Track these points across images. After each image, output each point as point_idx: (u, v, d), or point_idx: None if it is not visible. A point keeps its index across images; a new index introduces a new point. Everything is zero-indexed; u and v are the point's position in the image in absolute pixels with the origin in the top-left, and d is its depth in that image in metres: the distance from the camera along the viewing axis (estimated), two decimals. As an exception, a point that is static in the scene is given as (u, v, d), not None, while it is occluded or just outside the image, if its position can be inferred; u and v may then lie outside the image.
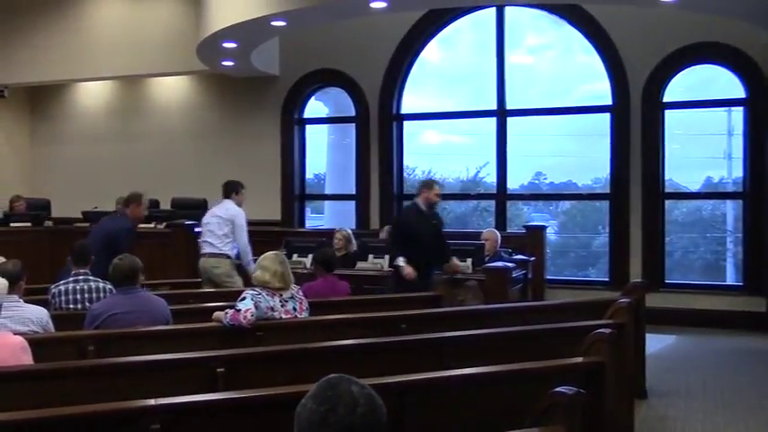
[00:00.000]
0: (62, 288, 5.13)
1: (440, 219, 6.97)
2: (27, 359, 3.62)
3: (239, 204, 7.70)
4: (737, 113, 9.22)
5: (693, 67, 9.12)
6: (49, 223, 10.74)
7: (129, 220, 6.89)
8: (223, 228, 7.51)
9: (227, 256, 7.50)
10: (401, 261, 6.41)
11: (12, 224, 10.32)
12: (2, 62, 11.94)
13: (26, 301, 4.44)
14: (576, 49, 9.99)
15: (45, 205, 11.36)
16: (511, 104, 9.97)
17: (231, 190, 7.79)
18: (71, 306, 5.08)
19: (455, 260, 6.85)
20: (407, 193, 10.74)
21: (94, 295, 5.11)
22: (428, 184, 6.87)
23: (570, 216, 11.24)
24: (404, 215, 6.80)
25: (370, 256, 7.75)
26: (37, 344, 3.83)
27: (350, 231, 8.26)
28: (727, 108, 9.45)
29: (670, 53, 8.99)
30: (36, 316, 4.33)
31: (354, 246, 8.01)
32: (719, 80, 9.15)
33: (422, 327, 4.77)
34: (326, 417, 1.57)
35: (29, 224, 10.30)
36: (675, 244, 9.74)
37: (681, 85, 9.22)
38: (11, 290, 4.29)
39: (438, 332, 4.40)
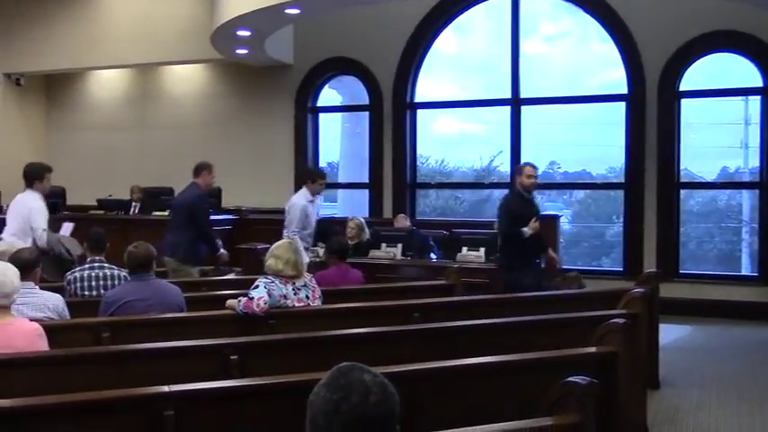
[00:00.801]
0: (77, 275, 5.17)
1: (537, 205, 6.82)
2: (43, 345, 3.65)
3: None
4: (755, 102, 9.11)
5: (710, 56, 9.02)
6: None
7: (199, 188, 7.06)
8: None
9: None
10: (526, 232, 6.26)
11: (28, 211, 10.38)
12: (18, 51, 12.01)
13: (42, 288, 4.48)
14: (592, 37, 9.92)
15: (61, 193, 11.43)
16: (525, 93, 9.92)
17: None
18: (86, 293, 5.12)
19: (551, 250, 6.80)
20: (420, 182, 10.75)
21: (109, 282, 5.15)
22: (518, 168, 6.68)
23: (584, 205, 11.20)
24: (509, 201, 6.53)
25: (383, 245, 7.76)
26: (52, 330, 3.86)
27: (363, 220, 8.26)
28: (744, 97, 9.36)
29: (687, 41, 8.90)
30: (52, 303, 4.37)
31: (367, 234, 8.02)
32: (736, 69, 9.06)
33: (435, 316, 4.77)
34: (339, 405, 1.57)
35: (44, 211, 10.35)
36: (690, 234, 9.68)
37: (697, 74, 9.13)
38: (27, 277, 4.33)
39: (451, 321, 4.40)
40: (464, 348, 3.99)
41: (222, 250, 7.06)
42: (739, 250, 9.89)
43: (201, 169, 7.16)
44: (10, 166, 12.12)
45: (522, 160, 9.89)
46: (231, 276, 7.04)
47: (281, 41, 10.41)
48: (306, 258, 6.75)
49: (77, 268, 5.24)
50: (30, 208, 6.32)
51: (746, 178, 9.42)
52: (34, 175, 6.44)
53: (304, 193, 7.43)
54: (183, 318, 4.64)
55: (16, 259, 4.35)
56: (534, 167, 6.58)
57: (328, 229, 7.75)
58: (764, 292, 8.55)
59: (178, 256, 6.75)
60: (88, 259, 5.27)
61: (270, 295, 4.53)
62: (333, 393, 1.58)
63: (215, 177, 7.33)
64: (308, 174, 8.08)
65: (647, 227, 9.10)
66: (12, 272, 3.68)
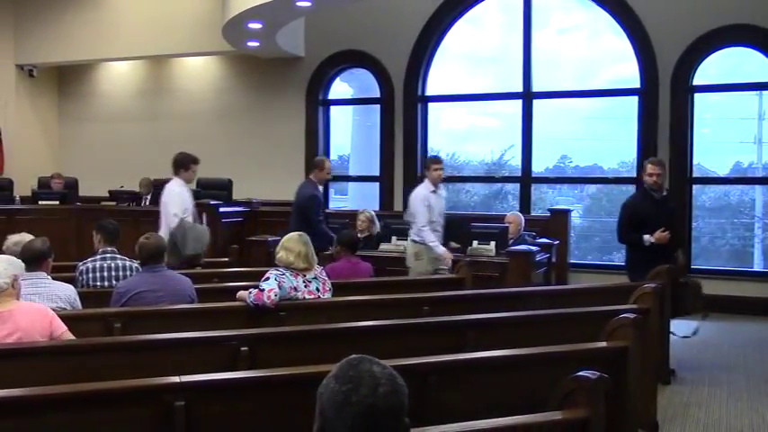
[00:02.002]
0: (89, 266, 5.19)
1: (672, 205, 6.41)
2: (51, 324, 3.68)
3: None
4: (769, 97, 9.06)
5: (724, 50, 8.96)
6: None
7: (311, 185, 7.04)
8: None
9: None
10: (647, 240, 5.92)
11: (40, 202, 10.47)
12: (31, 42, 12.08)
13: (53, 278, 4.50)
14: (605, 30, 9.86)
15: (73, 184, 11.50)
16: (537, 87, 9.88)
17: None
18: (98, 284, 5.14)
19: (681, 256, 6.40)
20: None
21: (121, 273, 5.17)
22: (644, 164, 6.25)
23: (595, 200, 11.14)
24: (632, 199, 6.23)
25: (394, 238, 7.76)
26: (64, 320, 3.88)
27: (373, 213, 8.27)
28: (758, 92, 9.28)
29: (700, 35, 8.83)
30: (64, 293, 4.39)
31: (378, 227, 8.02)
32: (750, 63, 8.99)
33: (444, 309, 4.76)
34: (348, 396, 1.57)
35: (57, 203, 10.43)
36: (702, 229, 9.62)
37: (711, 68, 9.06)
38: (38, 267, 4.36)
39: (460, 315, 4.40)
40: (474, 342, 3.99)
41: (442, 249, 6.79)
42: (752, 246, 9.83)
43: (314, 165, 7.13)
44: (23, 156, 12.23)
45: (534, 154, 9.92)
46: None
47: (292, 34, 10.40)
48: (440, 249, 6.57)
49: (89, 259, 5.26)
50: (168, 192, 6.76)
51: (759, 174, 9.36)
52: (180, 164, 6.89)
53: (425, 183, 6.89)
54: (194, 309, 4.66)
55: (28, 249, 4.38)
56: (656, 164, 6.10)
57: (459, 226, 7.34)
58: (776, 289, 8.50)
59: None
60: (100, 250, 5.29)
61: (280, 287, 4.54)
62: (342, 385, 1.59)
63: (329, 173, 7.28)
64: (424, 162, 7.62)
65: (658, 222, 9.05)
66: (6, 261, 3.68)
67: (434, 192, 6.78)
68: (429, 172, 6.83)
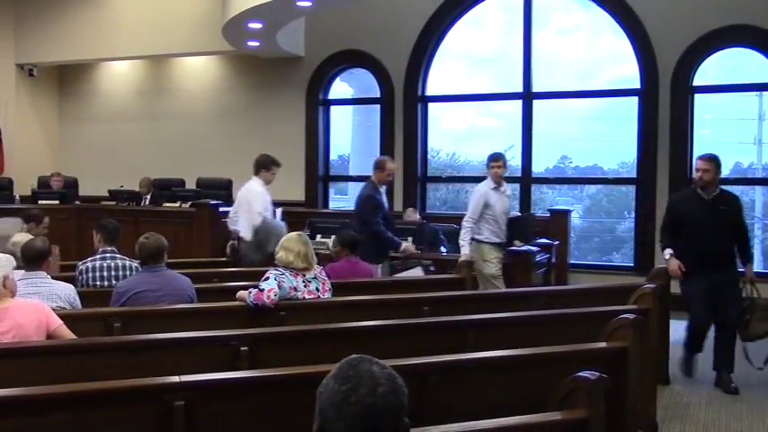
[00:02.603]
0: (89, 265, 5.19)
1: (734, 204, 5.63)
2: (48, 319, 3.71)
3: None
4: (769, 98, 9.07)
5: (724, 51, 8.95)
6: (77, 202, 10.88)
7: (369, 186, 6.80)
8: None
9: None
10: (667, 254, 5.55)
11: (40, 201, 10.46)
12: (31, 42, 12.07)
13: (53, 278, 4.51)
14: (605, 31, 9.86)
15: (73, 183, 11.51)
16: (537, 87, 9.88)
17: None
18: (98, 283, 5.14)
19: (751, 269, 5.69)
20: (431, 176, 10.73)
21: (121, 273, 5.17)
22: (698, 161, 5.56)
23: (595, 200, 11.15)
24: (676, 197, 5.75)
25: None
26: (64, 320, 3.88)
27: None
28: (758, 92, 9.29)
29: (700, 36, 8.83)
30: (64, 292, 4.39)
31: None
32: (751, 64, 8.99)
33: (444, 309, 4.77)
34: (348, 396, 1.57)
35: (57, 202, 10.43)
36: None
37: (711, 69, 9.06)
38: (38, 266, 4.37)
39: (461, 315, 4.40)
40: (474, 342, 3.99)
41: (405, 244, 6.81)
42: (752, 246, 9.82)
43: (375, 166, 6.90)
44: (23, 156, 12.23)
45: (534, 154, 9.92)
46: (417, 271, 6.67)
47: (292, 34, 10.40)
48: (464, 251, 6.43)
49: (89, 258, 5.26)
50: (251, 191, 6.95)
51: (759, 174, 9.36)
52: (261, 165, 7.03)
53: (486, 180, 6.75)
54: (194, 309, 4.66)
55: (28, 249, 4.39)
56: (705, 160, 5.48)
57: (524, 226, 7.07)
58: (776, 289, 8.49)
59: (364, 257, 6.40)
60: (100, 250, 5.29)
61: (280, 287, 4.54)
62: (341, 385, 1.59)
63: (391, 174, 6.98)
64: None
65: (658, 222, 9.01)
66: (4, 258, 3.70)
67: (496, 189, 6.66)
68: (488, 170, 6.73)
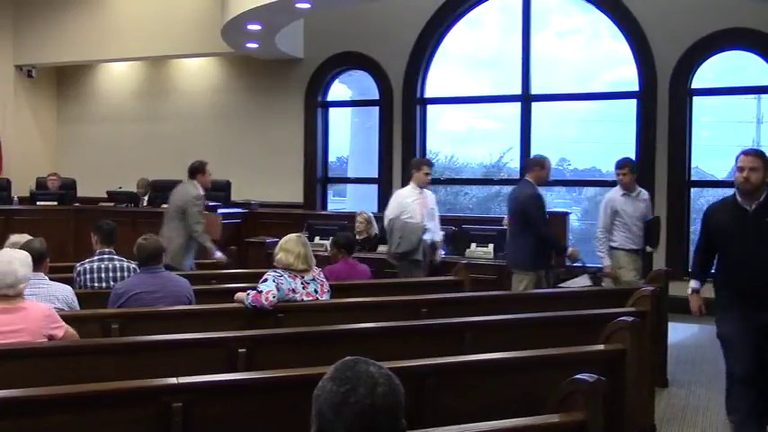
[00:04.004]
0: (87, 266, 5.18)
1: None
2: (55, 327, 3.69)
3: None
4: (767, 101, 9.07)
5: (722, 53, 8.97)
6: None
7: (531, 185, 6.31)
8: None
9: None
10: (689, 288, 4.40)
11: (38, 202, 10.46)
12: (30, 43, 12.07)
13: (51, 279, 4.50)
14: (603, 33, 9.88)
15: (72, 185, 11.50)
16: (536, 89, 9.89)
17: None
18: (96, 284, 5.14)
19: None
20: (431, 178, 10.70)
21: (119, 274, 5.16)
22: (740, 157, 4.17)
23: (594, 203, 11.14)
24: (712, 207, 4.42)
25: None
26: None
27: (371, 214, 8.26)
28: (756, 95, 9.30)
29: (699, 39, 8.85)
30: (61, 293, 4.39)
31: (376, 228, 8.02)
32: (749, 66, 9.00)
33: (443, 311, 4.76)
34: (347, 397, 1.58)
35: (55, 203, 10.43)
36: (700, 232, 9.62)
37: (709, 72, 9.08)
38: (37, 267, 4.35)
39: (459, 317, 4.40)
40: (472, 344, 3.99)
41: (571, 248, 6.51)
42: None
43: (534, 164, 6.43)
44: (21, 157, 12.22)
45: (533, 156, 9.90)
46: (583, 280, 6.23)
47: (291, 36, 10.41)
48: (604, 262, 6.29)
49: (87, 260, 5.26)
50: (394, 194, 7.05)
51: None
52: (412, 167, 6.99)
53: (616, 187, 6.60)
54: (192, 310, 4.65)
55: (27, 250, 4.37)
56: (751, 155, 4.11)
57: (648, 230, 6.54)
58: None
59: (515, 263, 6.30)
60: (98, 251, 5.29)
61: (278, 289, 4.54)
62: (340, 386, 1.59)
63: (550, 173, 6.55)
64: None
65: (656, 225, 9.06)
66: (18, 262, 3.68)
67: (626, 195, 6.46)
68: (617, 177, 6.55)
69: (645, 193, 6.68)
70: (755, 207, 4.06)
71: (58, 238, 9.01)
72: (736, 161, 4.14)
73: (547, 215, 6.44)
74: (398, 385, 1.63)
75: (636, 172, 6.66)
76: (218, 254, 6.98)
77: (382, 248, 7.69)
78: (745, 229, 4.08)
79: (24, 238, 4.92)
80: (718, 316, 4.21)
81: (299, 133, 11.08)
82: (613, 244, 6.43)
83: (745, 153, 4.15)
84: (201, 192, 7.06)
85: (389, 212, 6.76)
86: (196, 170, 7.16)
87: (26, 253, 3.87)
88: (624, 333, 3.49)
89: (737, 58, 9.07)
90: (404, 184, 10.31)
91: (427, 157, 10.63)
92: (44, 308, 3.77)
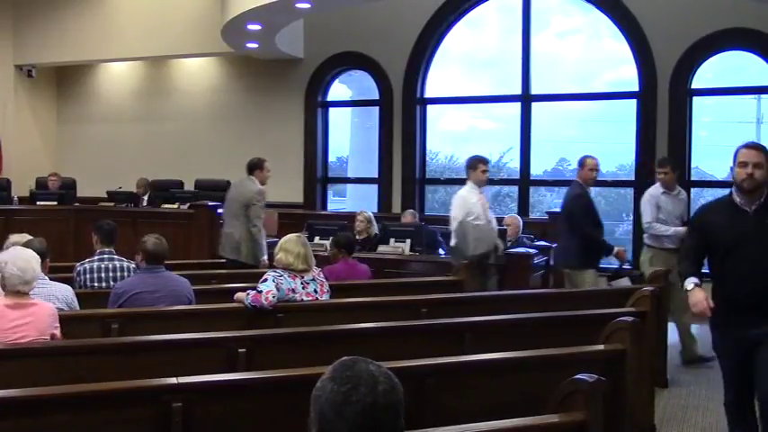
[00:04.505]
0: (87, 266, 5.18)
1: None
2: (56, 326, 3.77)
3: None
4: (767, 101, 9.07)
5: (722, 54, 8.97)
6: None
7: (579, 185, 6.37)
8: None
9: None
10: (690, 283, 3.72)
11: (38, 203, 10.46)
12: (30, 43, 12.07)
13: (51, 279, 4.50)
14: (603, 34, 9.88)
15: (71, 184, 11.50)
16: (536, 89, 9.89)
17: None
18: (96, 284, 5.14)
19: None
20: (430, 177, 10.74)
21: (119, 274, 5.16)
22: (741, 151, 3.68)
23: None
24: (706, 208, 3.98)
25: (392, 240, 7.75)
26: (62, 321, 3.88)
27: (371, 214, 8.26)
28: (756, 95, 9.30)
29: (699, 39, 8.84)
30: (61, 293, 4.39)
31: (375, 228, 8.01)
32: (749, 67, 9.00)
33: (443, 311, 4.76)
34: (349, 396, 1.58)
35: (55, 203, 10.43)
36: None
37: (709, 72, 9.08)
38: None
39: (459, 317, 4.40)
40: (471, 344, 3.99)
41: (617, 248, 6.35)
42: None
43: (579, 164, 6.46)
44: (21, 157, 12.22)
45: (532, 157, 9.93)
46: (624, 282, 6.20)
47: (291, 36, 10.41)
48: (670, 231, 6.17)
49: (87, 260, 5.26)
50: (455, 195, 6.74)
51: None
52: (468, 166, 6.72)
53: (656, 184, 6.59)
54: (192, 310, 4.65)
55: (27, 248, 4.37)
56: (756, 147, 3.68)
57: None
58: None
59: (567, 262, 6.31)
60: (98, 251, 5.29)
61: (278, 289, 4.54)
62: (341, 385, 1.60)
63: (593, 169, 6.48)
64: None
65: (656, 225, 9.05)
66: (35, 260, 3.78)
67: (666, 193, 6.46)
68: (657, 176, 6.58)
69: (684, 193, 6.69)
70: (756, 208, 3.62)
71: (58, 238, 9.00)
72: (736, 156, 3.65)
73: (597, 216, 6.38)
74: (398, 383, 1.64)
75: (677, 171, 6.66)
76: (265, 258, 6.92)
77: (383, 248, 7.70)
78: (745, 233, 3.59)
79: (24, 237, 4.93)
80: (712, 332, 3.83)
81: (299, 133, 11.08)
82: (653, 243, 6.40)
83: (748, 146, 3.67)
84: (261, 187, 7.19)
85: (458, 215, 6.47)
86: (255, 166, 7.32)
87: (34, 252, 3.93)
88: (624, 333, 3.49)
89: (737, 58, 9.07)
90: (404, 183, 10.39)
91: (427, 157, 10.68)
92: (50, 306, 3.82)
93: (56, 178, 11.13)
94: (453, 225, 6.49)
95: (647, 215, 6.46)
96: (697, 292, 3.69)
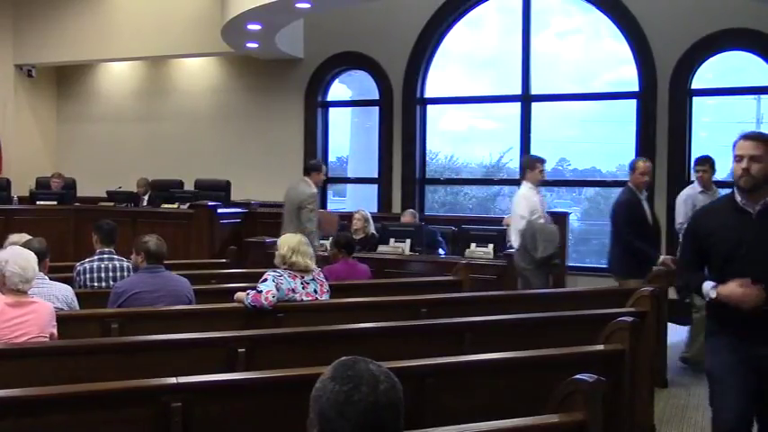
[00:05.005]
0: (87, 266, 5.19)
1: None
2: (54, 324, 3.80)
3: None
4: (767, 101, 9.07)
5: (722, 54, 8.96)
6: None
7: (629, 190, 5.94)
8: None
9: None
10: (712, 290, 3.16)
11: (38, 202, 10.46)
12: (30, 42, 12.07)
13: (51, 279, 4.50)
14: (603, 34, 9.87)
15: (72, 184, 11.50)
16: (536, 89, 9.89)
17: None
18: (95, 284, 5.14)
19: None
20: (430, 177, 10.73)
21: (119, 274, 5.17)
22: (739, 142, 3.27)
23: (594, 203, 11.15)
24: (703, 210, 3.55)
25: (392, 240, 7.76)
26: (61, 321, 3.89)
27: (368, 213, 8.24)
28: (756, 96, 9.30)
29: (699, 39, 8.84)
30: (61, 293, 4.39)
31: (372, 227, 8.01)
32: (749, 67, 9.00)
33: (442, 311, 4.76)
34: (351, 395, 1.59)
35: (54, 203, 10.43)
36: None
37: (709, 72, 9.08)
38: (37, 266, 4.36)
39: (458, 317, 4.40)
40: (471, 345, 3.99)
41: (663, 256, 5.86)
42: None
43: (631, 168, 6.07)
44: (21, 156, 12.22)
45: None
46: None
47: (291, 35, 10.41)
48: None
49: (87, 260, 5.26)
50: (516, 195, 6.71)
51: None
52: (526, 166, 6.69)
53: (693, 184, 6.55)
54: (192, 310, 4.65)
55: (29, 249, 4.38)
56: (756, 138, 3.27)
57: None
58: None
59: (611, 268, 6.15)
60: (98, 251, 5.29)
61: (278, 289, 4.54)
62: (342, 385, 1.60)
63: (644, 173, 5.94)
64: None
65: (656, 225, 9.06)
66: (34, 259, 3.81)
67: (703, 192, 6.38)
68: (695, 174, 6.48)
69: (719, 193, 6.55)
70: (761, 209, 3.14)
71: (58, 238, 9.00)
72: (734, 148, 3.23)
73: (645, 223, 5.96)
74: (398, 382, 1.65)
75: (715, 170, 6.56)
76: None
77: (383, 248, 7.70)
78: (748, 238, 3.13)
79: (24, 237, 4.93)
80: (709, 348, 3.32)
81: (298, 133, 11.08)
82: None
83: (746, 137, 3.25)
84: (315, 189, 7.24)
85: (524, 213, 6.35)
86: (312, 168, 7.37)
87: (33, 252, 3.96)
88: (624, 333, 3.49)
89: (737, 59, 9.07)
90: (404, 183, 10.39)
91: (427, 157, 10.67)
92: (48, 305, 3.85)
93: (59, 180, 11.12)
94: (519, 225, 6.37)
95: (680, 215, 6.34)
96: (730, 287, 3.09)
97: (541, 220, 6.42)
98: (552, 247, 6.34)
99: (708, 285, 3.18)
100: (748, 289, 3.04)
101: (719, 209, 3.35)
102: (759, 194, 3.15)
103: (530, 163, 6.68)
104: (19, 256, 3.76)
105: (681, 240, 3.50)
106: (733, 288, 3.08)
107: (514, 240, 6.47)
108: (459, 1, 10.02)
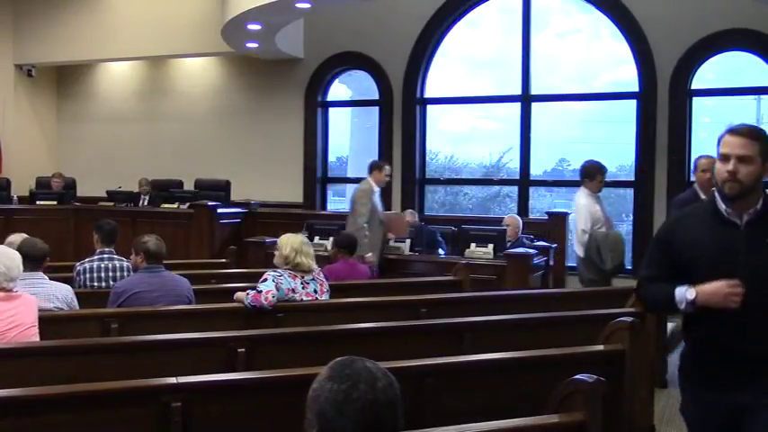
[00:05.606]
0: (87, 266, 5.19)
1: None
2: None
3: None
4: (767, 102, 9.06)
5: (722, 54, 8.96)
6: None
7: (692, 191, 5.73)
8: None
9: None
10: (683, 293, 2.62)
11: (38, 202, 10.46)
12: (30, 42, 12.07)
13: (51, 278, 4.50)
14: (604, 34, 9.87)
15: (72, 184, 11.50)
16: (536, 90, 9.89)
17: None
18: (95, 284, 5.14)
19: None
20: (430, 177, 10.73)
21: (118, 274, 5.17)
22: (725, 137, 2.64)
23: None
24: (677, 218, 2.87)
25: (392, 240, 7.76)
26: (61, 320, 3.89)
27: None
28: (756, 96, 9.30)
29: (699, 39, 8.84)
30: (61, 293, 4.39)
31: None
32: (749, 67, 9.00)
33: (442, 311, 4.76)
34: (349, 394, 1.59)
35: (54, 203, 10.43)
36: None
37: (709, 72, 9.08)
38: (38, 267, 4.36)
39: (458, 317, 4.40)
40: (471, 344, 3.99)
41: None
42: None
43: (694, 168, 5.84)
44: (21, 156, 12.22)
45: (532, 157, 9.93)
46: None
47: (291, 35, 10.41)
48: None
49: (87, 259, 5.26)
50: (575, 206, 6.55)
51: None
52: (587, 174, 6.53)
53: (693, 187, 6.32)
54: (192, 310, 4.65)
55: (30, 249, 4.38)
56: (744, 133, 2.56)
57: None
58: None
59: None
60: (98, 250, 5.29)
61: (278, 289, 4.54)
62: (340, 384, 1.61)
63: (705, 169, 5.50)
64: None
65: (656, 225, 9.04)
66: (19, 258, 3.83)
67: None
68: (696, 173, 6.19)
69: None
70: (750, 219, 2.58)
71: (58, 238, 9.00)
72: (719, 144, 2.61)
73: None
74: (395, 380, 1.66)
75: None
76: (370, 255, 6.96)
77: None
78: (734, 255, 2.56)
79: (22, 237, 4.93)
80: (683, 393, 2.98)
81: (298, 133, 11.08)
82: None
83: (733, 131, 2.59)
84: (374, 188, 7.34)
85: (585, 226, 6.21)
86: (372, 167, 7.49)
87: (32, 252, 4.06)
88: (623, 333, 3.49)
89: (738, 59, 9.06)
90: (404, 183, 10.39)
91: (427, 157, 10.67)
92: (33, 298, 3.89)
93: (60, 180, 11.12)
94: (583, 239, 6.22)
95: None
96: (715, 284, 2.53)
97: (603, 229, 6.28)
98: (619, 257, 6.19)
99: (682, 289, 2.60)
100: (738, 288, 2.49)
101: (698, 218, 2.69)
102: (747, 203, 2.57)
103: (590, 172, 6.49)
104: (4, 255, 3.78)
105: (646, 252, 2.90)
106: (718, 285, 2.51)
107: (579, 251, 6.30)
108: (459, 1, 10.02)
